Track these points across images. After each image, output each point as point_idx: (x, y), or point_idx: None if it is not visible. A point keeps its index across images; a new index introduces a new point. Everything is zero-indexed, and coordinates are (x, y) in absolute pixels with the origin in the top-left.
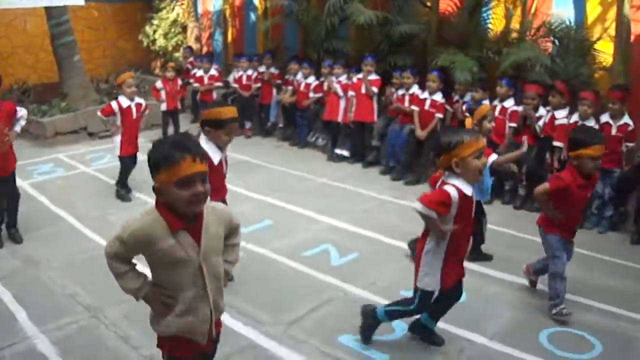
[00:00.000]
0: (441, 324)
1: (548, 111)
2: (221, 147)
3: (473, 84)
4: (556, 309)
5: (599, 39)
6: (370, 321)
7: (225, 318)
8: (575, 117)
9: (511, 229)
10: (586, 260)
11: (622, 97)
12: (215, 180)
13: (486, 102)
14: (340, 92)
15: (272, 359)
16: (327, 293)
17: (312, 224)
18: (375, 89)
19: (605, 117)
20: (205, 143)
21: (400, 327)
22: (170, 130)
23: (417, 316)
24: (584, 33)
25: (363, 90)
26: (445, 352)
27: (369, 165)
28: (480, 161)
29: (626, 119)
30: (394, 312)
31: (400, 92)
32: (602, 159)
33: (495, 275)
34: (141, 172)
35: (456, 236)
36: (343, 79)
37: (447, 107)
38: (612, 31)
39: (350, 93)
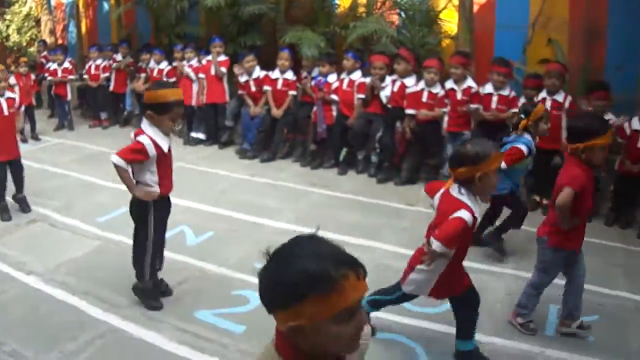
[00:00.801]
0: None
1: (394, 80)
2: (166, 134)
3: (320, 59)
4: (522, 319)
5: (443, 9)
6: None
7: (83, 305)
8: (422, 85)
9: (366, 197)
10: None
11: (464, 62)
12: (166, 172)
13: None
14: (192, 75)
15: (132, 340)
16: (183, 272)
17: None
18: (224, 70)
19: (449, 83)
20: (149, 128)
21: (254, 297)
22: (27, 128)
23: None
24: (429, 4)
25: (213, 72)
26: None
27: (224, 146)
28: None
29: (469, 82)
30: (375, 302)
31: (243, 79)
32: (450, 123)
33: (359, 243)
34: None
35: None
36: (194, 62)
37: (298, 84)
38: (456, 1)
39: (201, 75)
